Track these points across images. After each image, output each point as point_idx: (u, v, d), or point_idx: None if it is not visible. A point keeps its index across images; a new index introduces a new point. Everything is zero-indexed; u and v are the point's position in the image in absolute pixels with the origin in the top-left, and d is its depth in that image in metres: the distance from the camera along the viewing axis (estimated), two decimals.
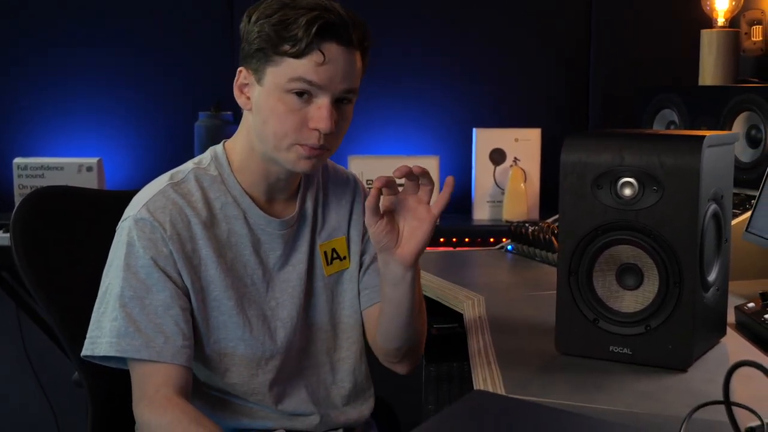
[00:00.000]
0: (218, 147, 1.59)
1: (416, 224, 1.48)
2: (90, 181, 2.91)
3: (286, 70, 1.43)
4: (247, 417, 1.58)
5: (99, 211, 1.85)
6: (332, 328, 1.66)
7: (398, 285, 1.53)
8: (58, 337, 1.76)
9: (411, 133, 3.11)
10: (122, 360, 1.48)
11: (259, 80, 1.48)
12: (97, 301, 1.51)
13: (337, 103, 1.47)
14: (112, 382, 1.71)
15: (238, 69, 1.51)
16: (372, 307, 1.67)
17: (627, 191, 1.44)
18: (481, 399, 1.13)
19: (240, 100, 1.53)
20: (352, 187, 1.71)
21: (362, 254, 1.69)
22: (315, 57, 1.42)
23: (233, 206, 1.55)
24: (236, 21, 3.04)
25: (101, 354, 1.46)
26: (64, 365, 2.11)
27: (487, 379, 1.41)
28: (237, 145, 1.57)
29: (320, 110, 1.45)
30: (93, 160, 2.94)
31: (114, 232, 1.53)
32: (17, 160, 2.96)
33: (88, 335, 1.50)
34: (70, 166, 2.93)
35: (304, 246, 1.62)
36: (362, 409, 1.70)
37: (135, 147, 3.11)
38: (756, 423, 1.12)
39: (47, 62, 3.09)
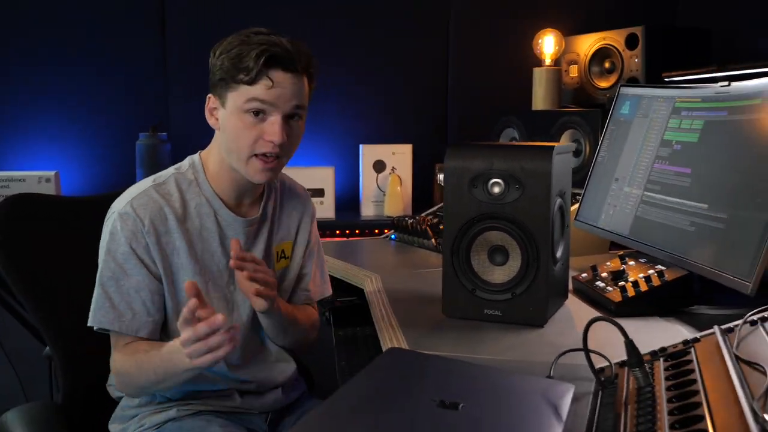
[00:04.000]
0: (195, 156, 1.54)
1: None
2: (49, 191, 2.73)
3: (243, 94, 1.40)
4: (204, 381, 1.51)
5: (63, 215, 1.75)
6: None
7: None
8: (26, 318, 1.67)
9: (310, 147, 3.07)
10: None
11: (223, 104, 1.44)
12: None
13: (288, 119, 1.44)
14: (80, 358, 1.63)
15: (208, 96, 1.47)
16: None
17: (496, 189, 1.45)
18: (397, 355, 1.11)
19: (210, 121, 1.48)
20: (303, 201, 1.67)
21: (303, 265, 1.66)
22: (264, 82, 1.39)
23: (206, 206, 1.50)
24: (168, 56, 2.93)
25: (89, 325, 1.44)
26: (28, 338, 1.96)
27: (393, 339, 1.39)
28: (210, 157, 1.52)
29: (273, 125, 1.41)
30: (51, 173, 2.76)
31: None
32: None
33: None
34: (31, 178, 2.74)
35: (262, 244, 1.57)
36: (289, 366, 1.66)
37: (87, 162, 2.93)
38: (605, 364, 1.14)
39: (3, 81, 2.85)
